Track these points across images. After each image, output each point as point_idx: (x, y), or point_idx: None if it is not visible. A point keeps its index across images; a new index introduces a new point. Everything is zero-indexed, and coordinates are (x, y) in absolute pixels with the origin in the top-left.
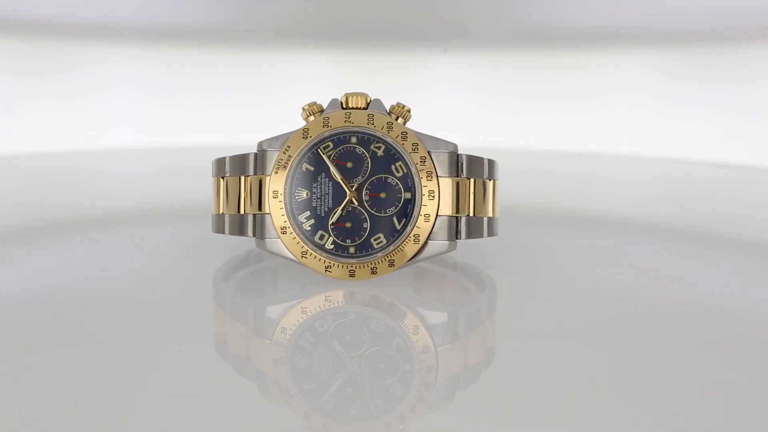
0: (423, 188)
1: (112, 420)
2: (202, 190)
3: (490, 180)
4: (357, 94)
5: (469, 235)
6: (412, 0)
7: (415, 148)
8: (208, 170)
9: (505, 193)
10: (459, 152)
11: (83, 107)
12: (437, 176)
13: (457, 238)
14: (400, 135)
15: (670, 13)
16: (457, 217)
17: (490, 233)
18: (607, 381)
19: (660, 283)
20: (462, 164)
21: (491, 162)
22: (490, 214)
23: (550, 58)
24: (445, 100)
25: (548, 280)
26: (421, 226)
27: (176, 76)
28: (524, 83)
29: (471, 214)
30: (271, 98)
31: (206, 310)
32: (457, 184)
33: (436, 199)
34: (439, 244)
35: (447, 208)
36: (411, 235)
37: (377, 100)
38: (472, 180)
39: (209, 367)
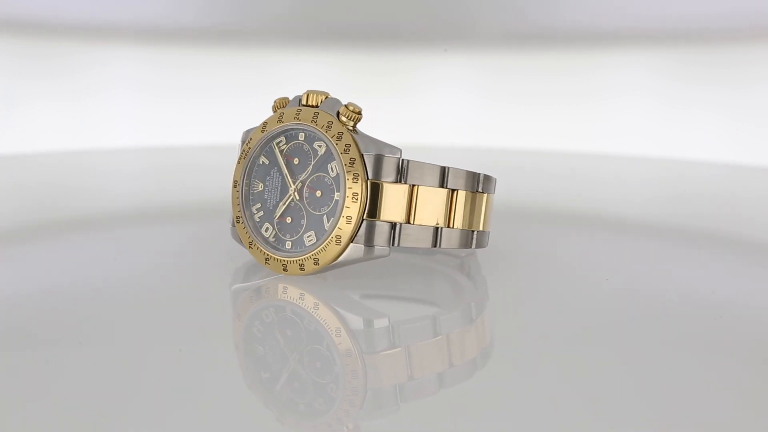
0: (348, 190)
1: (112, 417)
2: (202, 189)
3: (456, 191)
4: (314, 92)
5: (411, 243)
6: (412, 0)
7: (347, 149)
8: (208, 168)
9: (505, 193)
10: (403, 158)
11: (83, 107)
12: (366, 179)
13: (393, 245)
14: (336, 135)
15: (670, 14)
16: (392, 222)
17: (454, 244)
18: (593, 384)
19: (659, 281)
20: (405, 170)
21: (461, 172)
22: (458, 226)
23: (550, 58)
24: (445, 100)
25: (543, 281)
26: (343, 227)
27: (176, 76)
28: (524, 83)
29: (412, 222)
30: (271, 97)
31: (209, 301)
32: (391, 189)
33: (359, 201)
34: (367, 248)
35: (386, 213)
36: (333, 236)
37: (333, 99)
38: (416, 187)
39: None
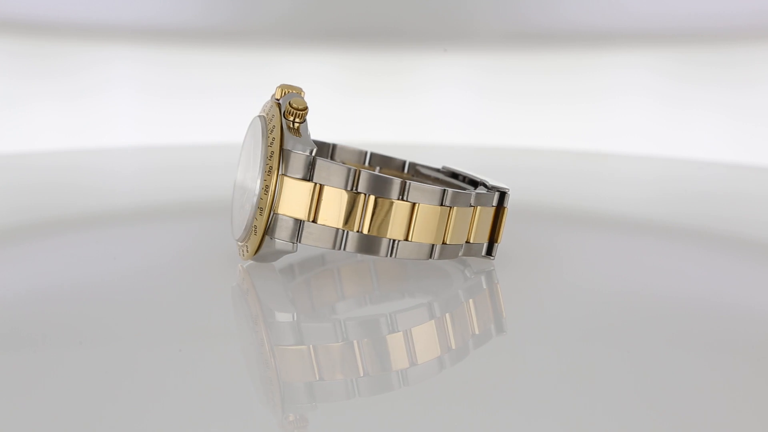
0: (263, 182)
1: (112, 417)
2: (203, 187)
3: (365, 194)
4: (285, 86)
5: (312, 242)
6: (412, 0)
7: (272, 142)
8: (208, 168)
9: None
10: (314, 156)
11: (83, 107)
12: (279, 174)
13: (297, 241)
14: (271, 128)
15: (670, 13)
16: (297, 219)
17: (358, 249)
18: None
19: (659, 280)
20: (313, 168)
21: (373, 177)
22: (366, 231)
23: (550, 58)
24: (445, 99)
25: (543, 279)
26: (258, 219)
27: (176, 76)
28: (524, 83)
29: (315, 221)
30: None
31: (210, 301)
32: (295, 185)
33: (269, 194)
34: (278, 242)
35: (286, 209)
36: (252, 226)
37: (291, 95)
38: (321, 186)
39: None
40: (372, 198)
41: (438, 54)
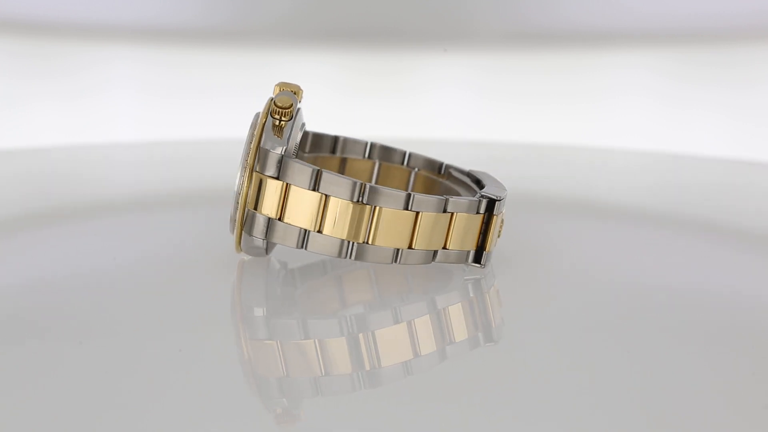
0: (240, 178)
1: (111, 415)
2: (201, 180)
3: (328, 196)
4: (281, 84)
5: (279, 240)
6: (412, 0)
7: (252, 139)
8: (207, 165)
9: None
10: (283, 156)
11: (83, 107)
12: (252, 171)
13: (266, 238)
14: (255, 124)
15: (670, 13)
16: (269, 218)
17: (322, 250)
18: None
19: (662, 273)
20: (283, 168)
21: (336, 179)
22: (327, 233)
23: (550, 58)
24: (445, 99)
25: (544, 274)
26: (237, 214)
27: (176, 75)
28: (524, 83)
29: (282, 219)
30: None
31: (213, 296)
32: (268, 183)
33: (243, 191)
34: (254, 239)
35: (260, 206)
36: (234, 221)
37: (283, 93)
38: (289, 185)
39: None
40: (332, 199)
41: (438, 54)
